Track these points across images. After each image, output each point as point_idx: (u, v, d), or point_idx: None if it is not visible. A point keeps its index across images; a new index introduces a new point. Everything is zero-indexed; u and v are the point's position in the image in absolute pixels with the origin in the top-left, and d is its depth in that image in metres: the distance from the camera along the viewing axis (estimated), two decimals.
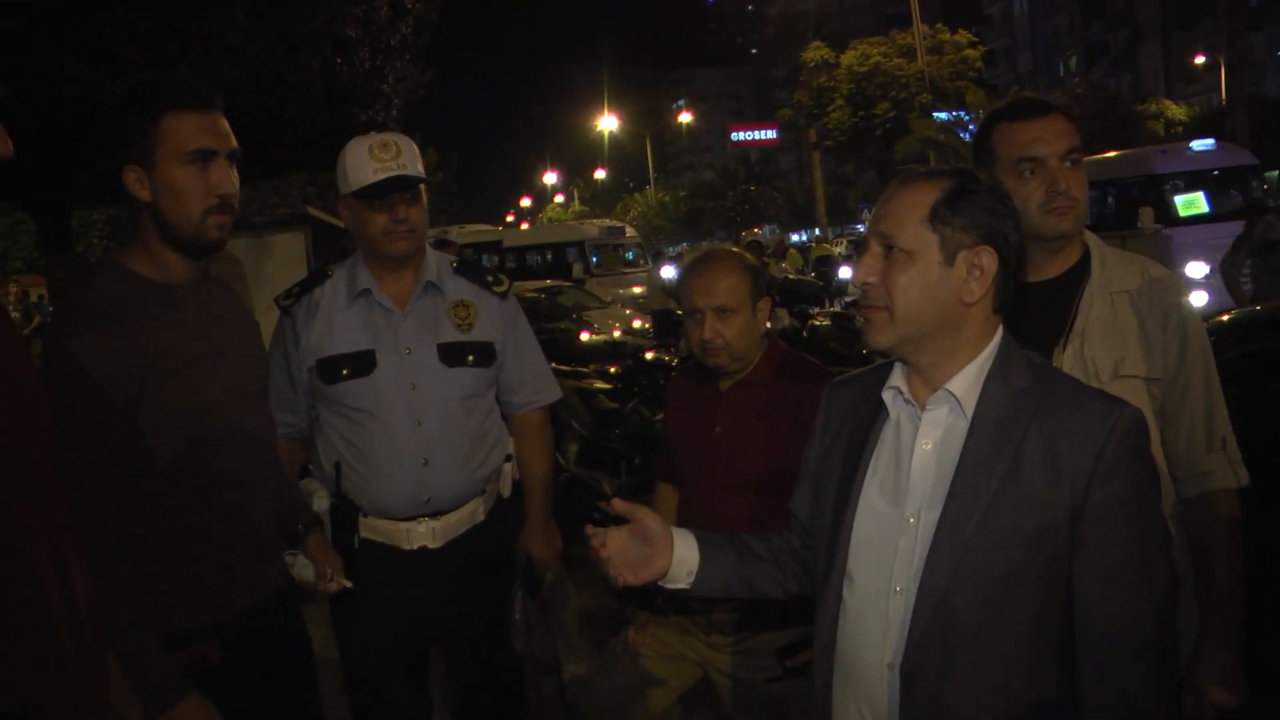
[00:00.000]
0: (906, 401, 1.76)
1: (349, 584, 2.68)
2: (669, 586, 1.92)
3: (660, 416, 4.92)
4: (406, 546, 2.79)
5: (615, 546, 1.86)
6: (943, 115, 38.76)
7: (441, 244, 10.50)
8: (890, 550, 1.71)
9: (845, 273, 21.86)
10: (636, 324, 15.64)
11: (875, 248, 1.72)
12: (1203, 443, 2.21)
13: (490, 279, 2.99)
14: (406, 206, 2.73)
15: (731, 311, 2.78)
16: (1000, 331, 1.74)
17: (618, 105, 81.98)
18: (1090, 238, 2.34)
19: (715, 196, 62.75)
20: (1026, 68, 69.52)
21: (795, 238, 61.34)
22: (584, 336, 12.23)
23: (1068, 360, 2.20)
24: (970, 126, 34.01)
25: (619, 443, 6.47)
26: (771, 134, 68.64)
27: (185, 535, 2.20)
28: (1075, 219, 2.23)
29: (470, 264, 3.02)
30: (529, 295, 14.40)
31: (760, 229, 53.47)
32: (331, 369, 2.75)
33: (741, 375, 2.89)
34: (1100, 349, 2.20)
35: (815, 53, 44.11)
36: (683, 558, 1.91)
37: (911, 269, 1.67)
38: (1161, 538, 1.68)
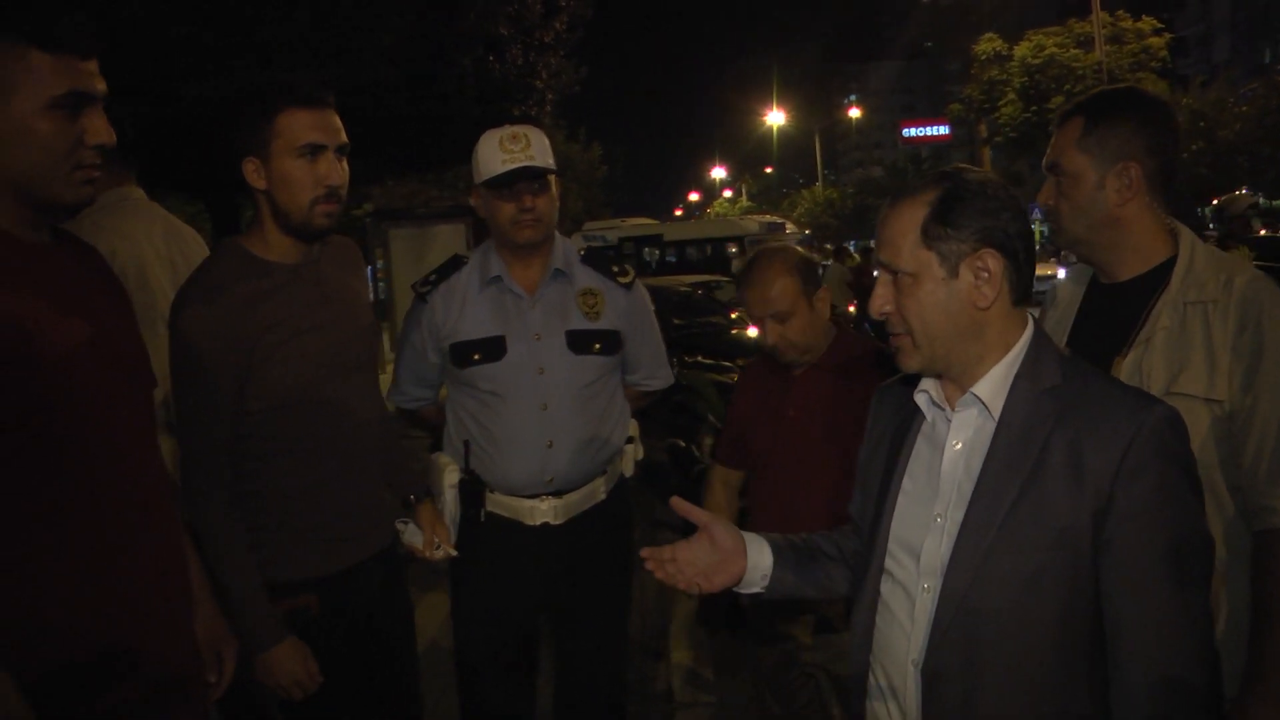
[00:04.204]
0: (937, 405, 1.75)
1: (455, 552, 2.83)
2: (745, 591, 1.92)
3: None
4: (530, 522, 2.91)
5: (686, 557, 1.86)
6: None
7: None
8: (919, 548, 1.71)
9: None
10: None
11: (884, 275, 1.71)
12: (1265, 475, 1.95)
13: (615, 269, 3.07)
14: (533, 196, 2.83)
15: (787, 314, 2.86)
16: (1031, 327, 1.70)
17: (786, 100, 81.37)
18: (1186, 238, 2.14)
19: (883, 194, 61.49)
20: (1222, 56, 65.37)
21: None
22: (734, 331, 12.22)
23: (1125, 370, 2.08)
24: None
25: None
26: (944, 130, 66.59)
27: (290, 495, 2.38)
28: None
29: (596, 254, 3.10)
30: (683, 290, 14.44)
31: None
32: (464, 353, 2.89)
33: (813, 361, 2.94)
34: (1160, 362, 2.05)
35: (988, 44, 42.52)
36: (756, 563, 1.90)
37: (919, 291, 1.65)
38: (1199, 541, 1.58)
